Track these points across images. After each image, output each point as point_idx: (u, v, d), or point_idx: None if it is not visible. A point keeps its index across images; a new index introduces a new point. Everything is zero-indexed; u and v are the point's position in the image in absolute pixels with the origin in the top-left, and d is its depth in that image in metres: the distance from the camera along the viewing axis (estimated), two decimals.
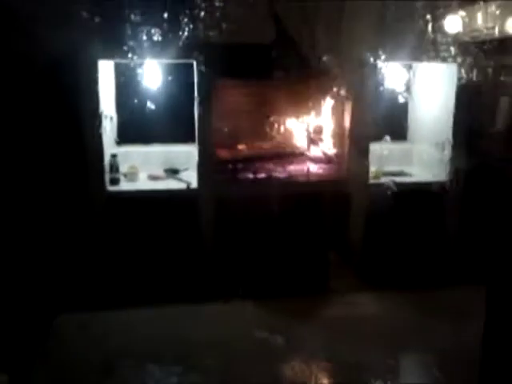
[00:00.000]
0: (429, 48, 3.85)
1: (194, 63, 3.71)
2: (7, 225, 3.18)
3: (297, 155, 4.35)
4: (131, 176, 4.02)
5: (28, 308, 3.25)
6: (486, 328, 2.16)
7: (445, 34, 3.78)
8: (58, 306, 3.48)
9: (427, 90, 4.44)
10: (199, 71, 3.71)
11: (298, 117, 4.43)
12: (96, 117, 3.66)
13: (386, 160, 4.33)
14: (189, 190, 3.91)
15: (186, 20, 3.58)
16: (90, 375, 2.97)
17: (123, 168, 4.02)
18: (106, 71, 3.91)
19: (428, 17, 3.78)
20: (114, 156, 3.97)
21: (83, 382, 2.94)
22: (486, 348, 2.16)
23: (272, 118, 4.41)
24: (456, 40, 3.81)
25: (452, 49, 3.85)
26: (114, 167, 3.96)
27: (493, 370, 2.14)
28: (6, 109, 2.95)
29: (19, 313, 3.17)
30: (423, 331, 3.39)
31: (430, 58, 3.90)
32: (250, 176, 4.07)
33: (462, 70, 3.90)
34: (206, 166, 3.86)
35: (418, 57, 3.93)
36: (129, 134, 4.22)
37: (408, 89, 4.47)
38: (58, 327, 3.37)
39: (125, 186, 3.94)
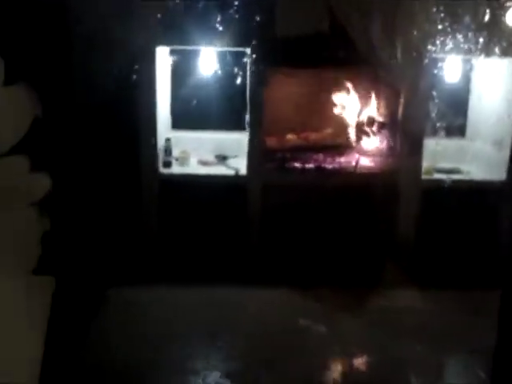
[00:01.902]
0: (491, 42, 3.68)
1: (248, 51, 3.75)
2: (67, 203, 3.35)
3: (347, 147, 4.31)
4: (183, 160, 4.14)
5: (83, 282, 3.40)
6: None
7: (508, 27, 3.60)
8: (111, 281, 3.64)
9: (488, 85, 4.26)
10: (253, 59, 3.74)
11: (350, 108, 4.38)
12: (153, 101, 3.80)
13: (442, 156, 4.21)
14: (237, 176, 3.97)
15: (241, 8, 3.62)
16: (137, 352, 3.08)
17: (175, 152, 4.14)
18: (162, 58, 4.03)
19: (490, 9, 3.62)
20: (168, 140, 4.11)
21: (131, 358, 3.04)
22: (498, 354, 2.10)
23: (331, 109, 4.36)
24: None
25: None
26: (168, 151, 4.10)
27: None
28: (63, 92, 3.10)
29: (73, 288, 3.33)
30: (469, 331, 3.30)
31: (492, 53, 3.73)
32: (299, 166, 4.08)
33: None
34: (255, 153, 3.91)
35: (479, 51, 3.77)
36: (182, 119, 4.33)
37: (468, 84, 4.31)
38: (109, 301, 3.53)
39: (176, 169, 4.07)
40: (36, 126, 2.24)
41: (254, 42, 3.70)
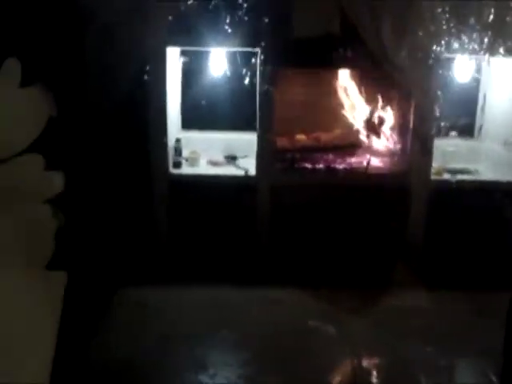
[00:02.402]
0: (499, 41, 3.67)
1: (259, 52, 3.76)
2: (80, 202, 3.37)
3: (357, 147, 4.31)
4: (192, 161, 4.15)
5: (92, 283, 3.42)
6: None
7: None
8: (120, 281, 3.66)
9: (498, 85, 4.24)
10: (263, 60, 3.75)
11: (360, 108, 4.38)
12: (163, 102, 3.82)
13: (453, 157, 4.21)
14: (247, 176, 3.98)
15: (251, 9, 3.63)
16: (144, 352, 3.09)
17: (185, 153, 4.16)
18: (172, 58, 4.05)
19: (498, 9, 3.60)
20: (178, 140, 4.13)
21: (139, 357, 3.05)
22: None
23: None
24: None
25: None
26: (178, 151, 4.12)
27: None
28: (74, 91, 3.13)
29: (82, 288, 3.35)
30: (479, 332, 3.29)
31: (501, 52, 3.72)
32: (308, 166, 4.08)
33: None
34: (264, 154, 3.92)
35: (488, 51, 3.75)
36: (192, 119, 4.35)
37: (478, 84, 4.30)
38: (118, 301, 3.55)
39: (186, 169, 4.08)
40: (51, 125, 2.28)
41: (263, 43, 3.71)
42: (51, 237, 2.26)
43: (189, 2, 3.58)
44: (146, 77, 3.69)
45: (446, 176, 4.08)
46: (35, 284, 2.22)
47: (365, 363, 3.13)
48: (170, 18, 3.59)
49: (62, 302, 2.23)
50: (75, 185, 2.72)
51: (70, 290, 2.52)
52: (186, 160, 4.16)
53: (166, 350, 3.08)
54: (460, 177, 4.08)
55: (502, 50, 3.69)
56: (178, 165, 4.07)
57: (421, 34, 3.71)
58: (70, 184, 2.43)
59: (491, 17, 3.61)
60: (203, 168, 4.14)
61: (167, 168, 3.97)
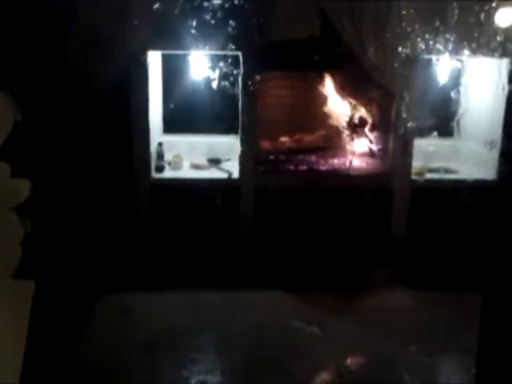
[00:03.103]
0: (480, 42, 3.72)
1: (240, 55, 3.76)
2: (57, 208, 3.34)
3: (339, 148, 4.33)
4: (175, 164, 4.13)
5: (73, 290, 3.40)
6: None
7: (497, 27, 3.64)
8: (101, 288, 3.63)
9: (478, 86, 4.30)
10: (244, 63, 3.75)
11: (342, 110, 4.40)
12: (145, 106, 3.79)
13: (433, 156, 4.25)
14: (230, 179, 3.98)
15: (233, 13, 3.62)
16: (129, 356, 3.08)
17: (167, 156, 4.14)
18: (153, 62, 4.02)
19: (480, 10, 3.65)
20: (160, 144, 4.11)
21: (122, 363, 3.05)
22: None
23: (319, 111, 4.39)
24: (509, 34, 3.66)
25: (504, 43, 3.71)
26: (160, 155, 4.10)
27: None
28: (56, 96, 3.11)
29: (65, 294, 3.32)
30: (459, 331, 3.33)
31: (482, 53, 3.77)
32: (292, 168, 4.09)
33: None
34: (247, 156, 3.92)
35: (469, 51, 3.80)
36: (174, 123, 4.33)
37: (459, 85, 4.35)
38: (99, 308, 3.52)
39: (169, 173, 4.07)
40: (17, 131, 2.26)
41: (245, 46, 3.71)
42: (18, 245, 2.22)
43: (170, 6, 3.57)
44: (127, 81, 3.66)
45: (429, 175, 4.12)
46: (1, 293, 2.19)
47: (349, 363, 3.16)
48: (151, 21, 3.57)
49: (30, 311, 2.19)
50: (49, 191, 2.71)
51: (49, 296, 2.50)
52: (169, 164, 4.14)
53: (149, 355, 3.07)
54: (441, 176, 4.12)
55: (482, 51, 3.75)
56: (160, 169, 4.05)
57: (400, 35, 3.74)
58: (42, 190, 2.42)
59: (472, 18, 3.66)
60: (186, 172, 4.12)
61: (149, 172, 3.94)
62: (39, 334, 2.40)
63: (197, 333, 3.30)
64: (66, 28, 3.26)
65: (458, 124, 4.51)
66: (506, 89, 3.83)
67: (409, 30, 3.70)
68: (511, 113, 3.83)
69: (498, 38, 3.68)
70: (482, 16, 3.66)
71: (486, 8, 3.65)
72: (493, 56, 3.78)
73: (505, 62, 3.82)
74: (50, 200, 3.04)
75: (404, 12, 3.69)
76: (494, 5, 3.61)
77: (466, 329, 3.29)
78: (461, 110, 4.47)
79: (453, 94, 4.33)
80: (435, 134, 4.24)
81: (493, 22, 3.65)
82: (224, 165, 4.20)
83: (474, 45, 3.74)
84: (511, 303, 2.03)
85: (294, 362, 3.06)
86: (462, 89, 4.39)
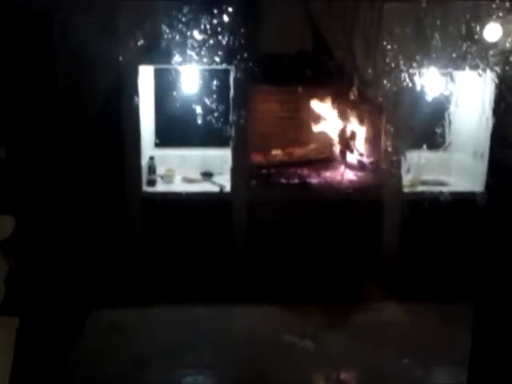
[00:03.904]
0: (468, 56, 3.77)
1: (231, 69, 3.78)
2: (46, 221, 3.33)
3: (331, 162, 4.35)
4: (167, 178, 4.13)
5: (63, 306, 3.37)
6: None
7: (484, 42, 3.69)
8: (92, 303, 3.60)
9: (467, 99, 4.34)
10: (236, 77, 3.78)
11: (333, 123, 4.43)
12: (136, 120, 3.80)
13: (424, 169, 4.27)
14: (222, 193, 3.98)
15: (224, 26, 3.66)
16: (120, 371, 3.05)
17: (160, 170, 4.14)
18: (145, 76, 4.04)
19: (468, 25, 3.71)
20: (151, 158, 4.11)
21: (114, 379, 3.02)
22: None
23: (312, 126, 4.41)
24: (496, 49, 3.72)
25: (491, 57, 3.76)
26: (152, 169, 4.10)
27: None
28: (47, 110, 3.11)
29: (54, 310, 3.29)
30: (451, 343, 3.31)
31: (469, 67, 3.82)
32: (284, 181, 4.10)
33: (501, 79, 3.80)
34: (239, 170, 3.93)
35: (456, 65, 3.85)
36: (166, 137, 4.34)
37: (448, 98, 4.39)
38: (90, 325, 3.48)
39: (161, 187, 4.06)
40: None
41: (237, 60, 3.74)
42: (1, 282, 2.17)
43: (162, 20, 3.60)
44: (118, 96, 3.67)
45: (421, 188, 4.14)
46: None
47: (341, 377, 3.14)
48: (142, 36, 3.60)
49: (13, 349, 2.13)
50: (40, 206, 2.69)
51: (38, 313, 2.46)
52: (161, 178, 4.14)
53: (141, 370, 3.04)
54: (433, 188, 4.14)
55: (471, 64, 3.80)
56: (152, 183, 4.05)
57: (391, 49, 3.79)
58: (32, 206, 2.40)
59: (461, 32, 3.72)
60: (178, 185, 4.12)
61: (140, 186, 3.94)
62: (29, 350, 2.36)
63: (188, 348, 3.27)
64: (55, 43, 3.28)
65: (448, 136, 4.55)
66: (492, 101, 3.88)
67: (401, 44, 3.75)
68: (497, 125, 3.89)
69: (485, 53, 3.73)
70: (471, 30, 3.72)
71: (476, 22, 3.71)
72: (481, 70, 3.83)
73: (491, 75, 3.87)
74: (41, 214, 3.03)
75: (397, 26, 3.74)
76: (482, 19, 3.67)
77: (458, 341, 3.32)
78: (452, 123, 4.51)
79: (444, 107, 4.37)
80: (425, 147, 4.27)
81: (481, 37, 3.70)
82: (216, 178, 4.20)
83: (463, 59, 3.79)
84: (501, 314, 2.04)
85: (286, 374, 3.04)
86: (453, 101, 4.44)
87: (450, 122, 4.48)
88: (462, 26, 3.72)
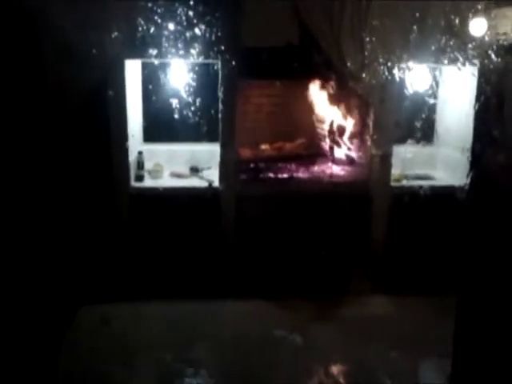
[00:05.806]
0: (454, 51, 3.79)
1: (219, 63, 3.77)
2: (35, 218, 3.31)
3: (319, 156, 4.36)
4: (156, 173, 4.12)
5: (52, 301, 3.36)
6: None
7: (470, 37, 3.72)
8: (81, 299, 3.59)
9: (454, 93, 4.38)
10: (223, 72, 3.77)
11: (321, 118, 4.44)
12: (123, 114, 3.78)
13: (411, 163, 4.30)
14: (210, 188, 3.98)
15: (212, 21, 3.64)
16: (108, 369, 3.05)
17: (148, 165, 4.12)
18: (133, 70, 4.02)
19: (454, 19, 3.73)
20: (140, 153, 4.09)
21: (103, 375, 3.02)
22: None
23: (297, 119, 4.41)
24: (481, 43, 3.74)
25: (476, 52, 3.78)
26: (140, 164, 4.08)
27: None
28: (35, 105, 3.08)
29: (43, 305, 3.28)
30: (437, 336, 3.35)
31: (455, 62, 3.84)
32: (272, 176, 4.11)
33: (486, 74, 3.83)
34: (228, 164, 3.92)
35: (443, 60, 3.87)
36: (154, 132, 4.32)
37: (435, 92, 4.42)
38: (80, 319, 3.48)
39: (149, 182, 4.05)
40: None
41: (224, 54, 3.72)
42: None
43: (148, 14, 3.57)
44: (105, 91, 3.65)
45: (407, 182, 4.17)
46: None
47: (330, 371, 3.16)
48: (129, 30, 3.57)
49: None
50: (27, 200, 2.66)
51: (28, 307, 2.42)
52: (149, 173, 4.13)
53: (128, 366, 3.05)
54: (419, 182, 4.18)
55: (458, 59, 3.82)
56: (140, 178, 4.03)
57: (379, 43, 3.80)
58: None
59: (448, 27, 3.74)
60: (166, 180, 4.11)
61: (128, 181, 3.92)
62: (17, 344, 2.35)
63: (177, 343, 3.28)
64: (42, 38, 3.25)
65: (435, 131, 4.59)
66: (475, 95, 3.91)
67: (387, 38, 3.76)
68: (480, 120, 3.91)
69: (471, 47, 3.76)
70: (458, 25, 3.74)
71: (463, 17, 3.73)
72: (467, 64, 3.85)
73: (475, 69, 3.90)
74: (29, 209, 3.00)
75: (383, 20, 3.74)
76: (468, 14, 3.69)
77: (444, 333, 3.37)
78: (439, 118, 4.55)
79: (430, 102, 4.40)
80: (413, 141, 4.29)
81: (467, 32, 3.73)
82: (205, 173, 4.19)
83: (450, 53, 3.81)
84: (483, 306, 2.07)
85: (276, 369, 3.06)
86: (440, 96, 4.47)
87: (437, 118, 4.52)
88: (449, 20, 3.74)
